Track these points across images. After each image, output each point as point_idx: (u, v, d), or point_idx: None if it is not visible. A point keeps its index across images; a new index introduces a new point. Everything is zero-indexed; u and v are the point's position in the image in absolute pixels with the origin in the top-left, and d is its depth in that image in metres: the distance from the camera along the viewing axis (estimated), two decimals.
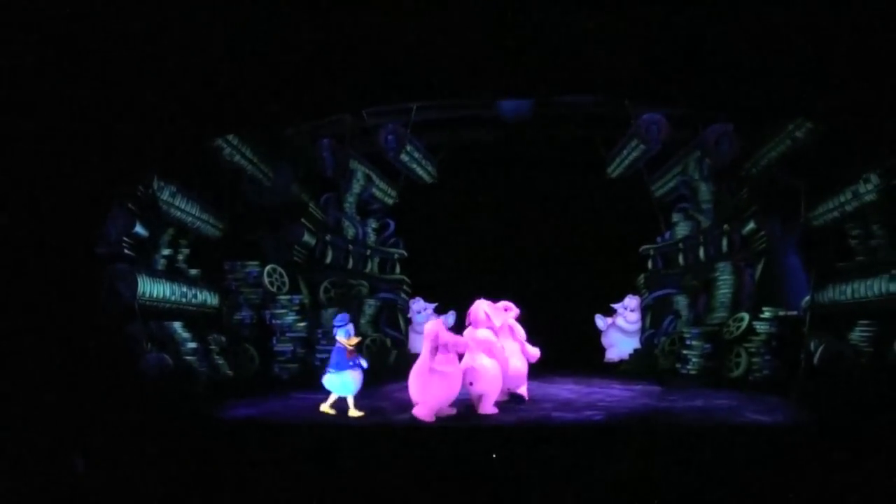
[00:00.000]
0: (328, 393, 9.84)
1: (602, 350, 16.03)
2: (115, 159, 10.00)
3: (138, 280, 10.91)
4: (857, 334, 10.84)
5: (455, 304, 15.70)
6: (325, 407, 9.94)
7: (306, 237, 14.63)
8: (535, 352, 11.10)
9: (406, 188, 16.46)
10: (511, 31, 9.36)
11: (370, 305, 16.08)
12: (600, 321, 16.03)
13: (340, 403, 9.81)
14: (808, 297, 11.95)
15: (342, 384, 9.82)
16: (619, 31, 9.37)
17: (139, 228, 11.18)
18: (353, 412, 9.80)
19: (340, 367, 9.81)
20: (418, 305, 16.35)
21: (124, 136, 9.80)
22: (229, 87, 10.08)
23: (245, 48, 9.41)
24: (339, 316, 10.21)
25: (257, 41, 9.34)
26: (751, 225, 13.50)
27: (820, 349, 11.09)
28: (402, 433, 9.07)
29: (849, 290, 11.11)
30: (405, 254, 16.80)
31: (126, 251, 10.96)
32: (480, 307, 10.68)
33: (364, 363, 9.94)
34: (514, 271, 15.87)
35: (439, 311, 16.24)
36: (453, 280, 15.90)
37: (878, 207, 10.70)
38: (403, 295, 16.64)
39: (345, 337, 9.87)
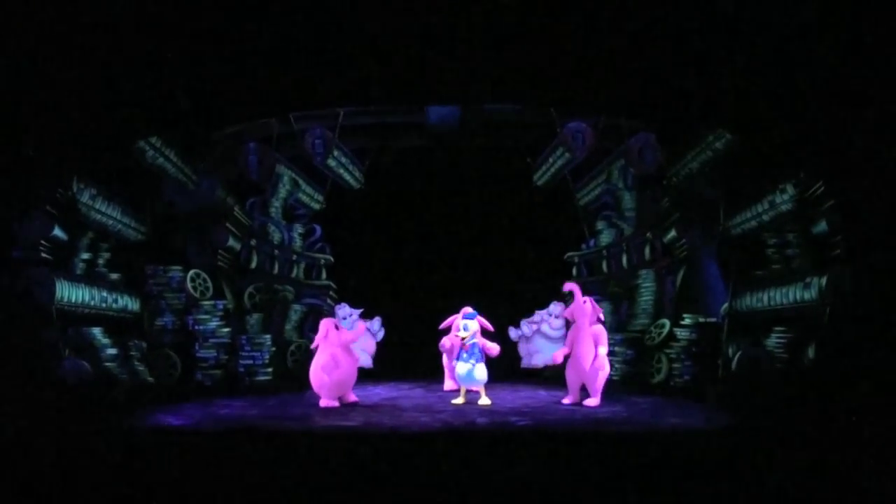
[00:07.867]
0: (252, 401, 9.69)
1: (518, 357, 15.92)
2: (33, 160, 9.76)
3: (56, 284, 10.61)
4: (773, 340, 11.15)
5: (381, 309, 15.73)
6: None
7: (231, 242, 14.41)
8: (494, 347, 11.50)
9: (333, 193, 16.38)
10: (441, 38, 9.41)
11: (295, 311, 15.93)
12: (525, 327, 16.06)
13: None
14: (726, 305, 12.25)
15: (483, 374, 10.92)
16: (544, 40, 9.50)
17: (58, 231, 10.88)
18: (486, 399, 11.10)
19: (480, 359, 10.79)
20: (344, 311, 16.21)
21: (43, 136, 9.57)
22: (152, 89, 9.92)
23: (170, 50, 9.28)
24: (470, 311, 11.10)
25: (182, 43, 9.22)
26: (672, 233, 13.71)
27: (737, 355, 11.38)
28: (326, 438, 9.00)
29: (765, 298, 11.43)
30: (331, 259, 16.68)
31: (44, 255, 10.67)
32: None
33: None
34: (440, 277, 15.90)
35: (365, 317, 16.17)
36: (379, 286, 15.85)
37: (794, 217, 11.05)
38: (329, 301, 16.52)
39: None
